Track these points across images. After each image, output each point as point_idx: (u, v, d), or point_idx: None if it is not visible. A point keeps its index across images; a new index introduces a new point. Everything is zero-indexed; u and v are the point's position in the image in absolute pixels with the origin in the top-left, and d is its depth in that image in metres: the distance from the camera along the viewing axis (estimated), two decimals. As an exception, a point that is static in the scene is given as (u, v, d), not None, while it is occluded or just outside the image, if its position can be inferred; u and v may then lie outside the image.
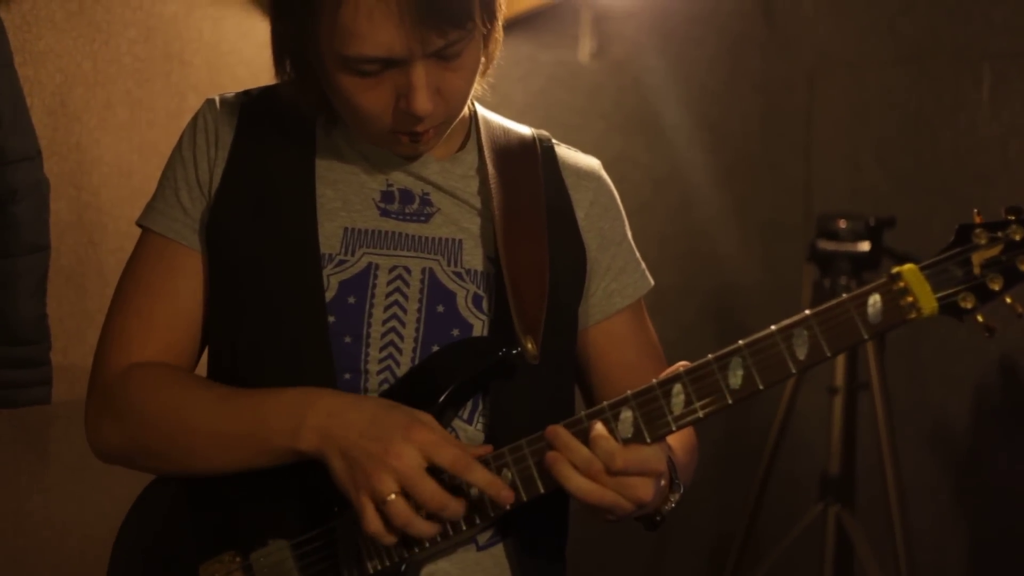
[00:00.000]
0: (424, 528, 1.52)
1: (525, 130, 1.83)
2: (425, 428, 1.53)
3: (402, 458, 1.50)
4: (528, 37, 3.89)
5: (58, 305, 2.50)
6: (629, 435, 1.50)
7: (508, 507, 1.54)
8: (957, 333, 1.53)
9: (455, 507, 1.52)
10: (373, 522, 1.51)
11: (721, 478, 3.96)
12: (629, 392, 1.51)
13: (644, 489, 1.49)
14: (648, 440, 1.50)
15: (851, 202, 3.70)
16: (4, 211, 2.35)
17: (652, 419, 1.50)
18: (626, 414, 1.50)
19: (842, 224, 3.35)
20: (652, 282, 1.84)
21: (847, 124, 3.87)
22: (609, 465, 1.47)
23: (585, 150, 1.88)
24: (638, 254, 1.84)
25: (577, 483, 1.48)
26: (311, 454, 1.56)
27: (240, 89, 1.81)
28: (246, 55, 3.11)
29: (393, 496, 1.50)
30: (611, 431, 1.49)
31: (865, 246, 3.32)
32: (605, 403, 1.52)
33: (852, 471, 3.48)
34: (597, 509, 1.51)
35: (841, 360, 3.43)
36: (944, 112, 3.62)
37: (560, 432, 1.50)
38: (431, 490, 1.51)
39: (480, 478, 1.52)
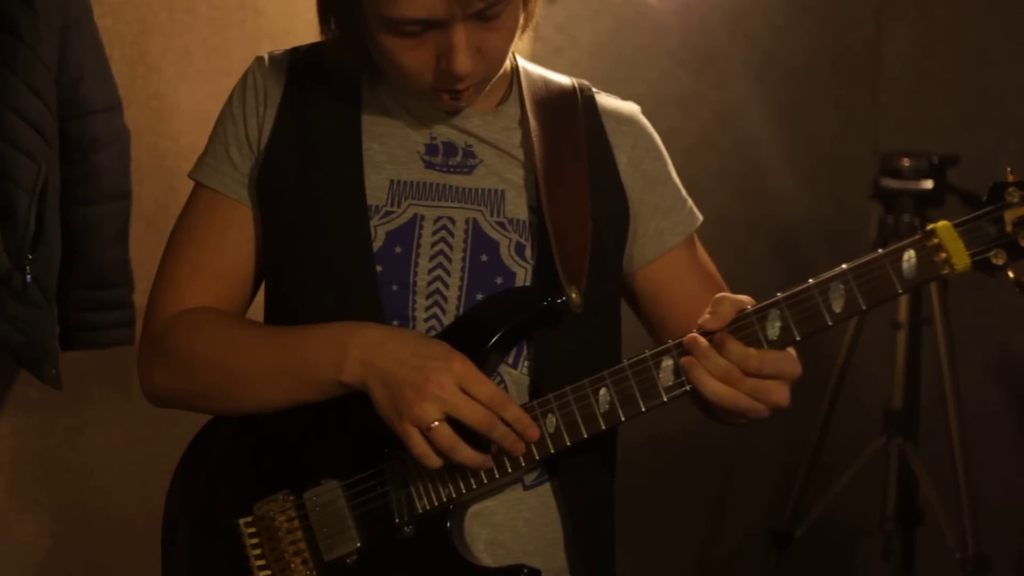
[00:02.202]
0: (468, 453, 1.58)
1: (565, 80, 1.84)
2: (463, 360, 1.59)
3: (444, 387, 1.57)
4: (596, -24, 3.91)
5: (139, 249, 2.57)
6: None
7: (527, 449, 1.60)
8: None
9: (502, 428, 1.58)
10: (419, 444, 1.58)
11: (787, 408, 3.98)
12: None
13: (780, 392, 1.57)
14: None
15: (918, 137, 3.68)
16: (87, 160, 2.44)
17: None
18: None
19: (905, 162, 3.36)
20: (701, 218, 1.85)
21: (914, 59, 3.85)
22: (744, 366, 1.52)
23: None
24: (684, 192, 1.85)
25: (712, 387, 1.53)
26: (355, 385, 1.62)
27: (312, 36, 1.87)
28: (317, 2, 3.17)
29: (437, 423, 1.57)
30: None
31: (928, 184, 3.33)
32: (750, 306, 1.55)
33: (916, 405, 3.50)
34: (731, 413, 1.57)
35: (904, 296, 3.45)
36: (1013, 47, 3.60)
37: (698, 340, 1.54)
38: (477, 410, 1.57)
39: (512, 413, 1.59)
